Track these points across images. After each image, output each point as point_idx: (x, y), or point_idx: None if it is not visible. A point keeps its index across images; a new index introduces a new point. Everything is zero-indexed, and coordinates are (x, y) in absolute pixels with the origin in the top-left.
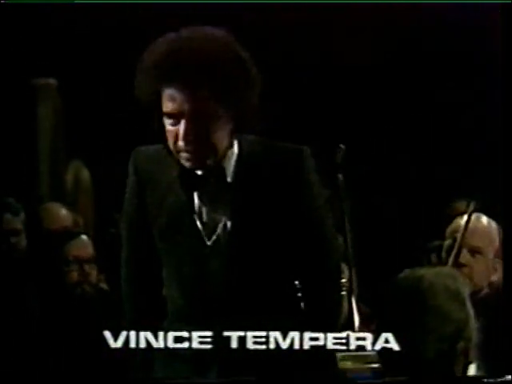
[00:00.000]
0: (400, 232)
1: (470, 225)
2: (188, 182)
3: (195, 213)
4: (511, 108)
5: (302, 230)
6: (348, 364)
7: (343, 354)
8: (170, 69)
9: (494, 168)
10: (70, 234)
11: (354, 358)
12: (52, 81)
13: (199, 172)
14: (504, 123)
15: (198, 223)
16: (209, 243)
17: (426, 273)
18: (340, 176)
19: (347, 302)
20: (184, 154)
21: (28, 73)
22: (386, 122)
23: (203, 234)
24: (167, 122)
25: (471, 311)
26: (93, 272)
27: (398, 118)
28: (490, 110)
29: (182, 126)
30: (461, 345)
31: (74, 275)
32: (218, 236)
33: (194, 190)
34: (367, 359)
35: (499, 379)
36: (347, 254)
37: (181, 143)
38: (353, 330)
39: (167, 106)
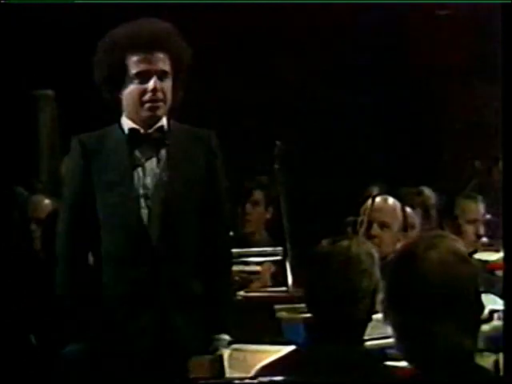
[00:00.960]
0: (325, 209)
1: (379, 204)
2: (134, 139)
3: (139, 165)
4: (511, 108)
5: (208, 203)
6: (284, 314)
7: (280, 306)
8: (137, 38)
9: (397, 160)
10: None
11: (289, 310)
12: (50, 92)
13: (142, 131)
14: (504, 123)
15: (140, 173)
16: (144, 191)
17: (351, 243)
18: (276, 165)
19: (282, 266)
20: (148, 105)
21: (29, 84)
22: (317, 120)
23: (142, 183)
24: (135, 82)
25: (379, 272)
26: None
27: (328, 115)
28: (402, 108)
29: (151, 82)
30: (378, 297)
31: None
32: (154, 185)
33: (139, 146)
34: (300, 310)
35: None
36: (283, 226)
37: (148, 95)
38: (287, 287)
39: (139, 67)
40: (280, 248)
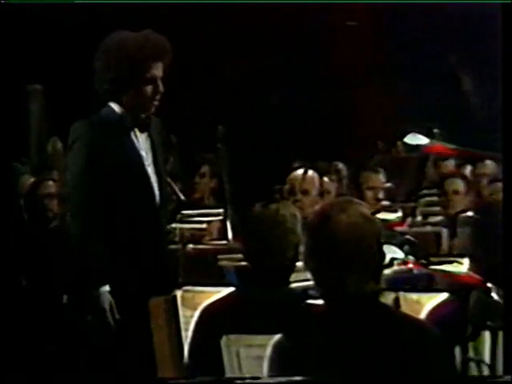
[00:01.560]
0: (258, 179)
1: (301, 175)
2: (135, 123)
3: (140, 148)
4: (511, 107)
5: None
6: (225, 263)
7: (222, 256)
8: (155, 51)
9: (317, 140)
10: None
11: (229, 259)
12: (39, 86)
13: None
14: (504, 123)
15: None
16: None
17: (278, 206)
18: (219, 145)
19: (224, 224)
20: (156, 102)
21: (22, 78)
22: (252, 110)
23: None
24: (147, 83)
25: (301, 229)
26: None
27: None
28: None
29: (160, 84)
30: (301, 249)
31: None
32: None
33: (140, 132)
34: (238, 259)
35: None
36: (225, 193)
37: (156, 94)
38: (228, 241)
39: (153, 74)
40: (222, 210)
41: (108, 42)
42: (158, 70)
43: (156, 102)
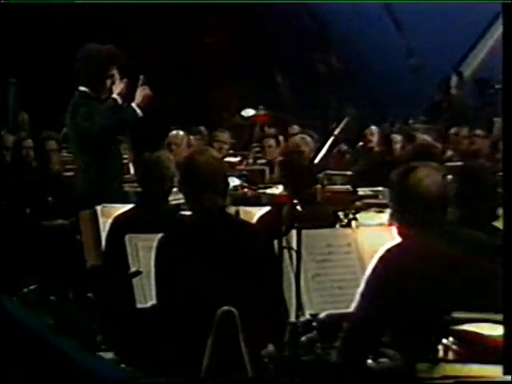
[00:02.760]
0: (149, 137)
1: (176, 135)
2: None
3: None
4: (511, 107)
5: None
6: (128, 189)
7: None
8: (112, 57)
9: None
10: None
11: (131, 186)
12: (13, 79)
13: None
14: (504, 122)
15: None
16: None
17: (159, 153)
18: None
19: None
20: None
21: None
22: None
23: None
24: (107, 78)
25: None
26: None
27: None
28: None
29: (115, 78)
30: (175, 180)
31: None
32: None
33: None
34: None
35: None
36: (130, 146)
37: (112, 84)
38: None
39: (111, 71)
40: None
41: (84, 50)
42: (114, 70)
43: (114, 94)
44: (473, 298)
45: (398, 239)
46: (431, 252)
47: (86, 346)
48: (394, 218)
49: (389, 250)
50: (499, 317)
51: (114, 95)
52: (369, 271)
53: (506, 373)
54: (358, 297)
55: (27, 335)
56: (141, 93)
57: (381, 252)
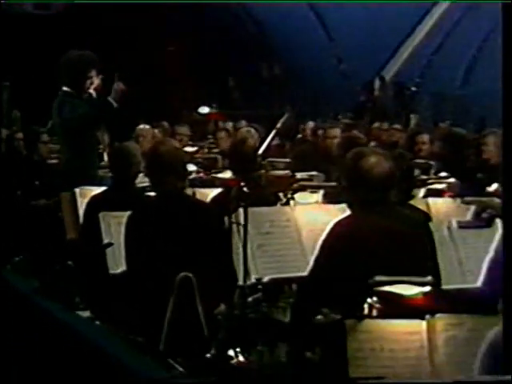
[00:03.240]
0: (122, 133)
1: (142, 128)
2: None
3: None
4: (511, 107)
5: None
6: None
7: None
8: (90, 62)
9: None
10: None
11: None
12: (7, 83)
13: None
14: (504, 122)
15: None
16: None
17: (128, 144)
18: None
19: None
20: (90, 89)
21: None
22: None
23: None
24: (86, 79)
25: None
26: None
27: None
28: None
29: (94, 80)
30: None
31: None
32: None
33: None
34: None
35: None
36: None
37: (92, 84)
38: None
39: (90, 73)
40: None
41: (66, 56)
42: (92, 72)
43: (91, 89)
44: (404, 264)
45: (346, 213)
46: (374, 225)
47: (66, 306)
48: (328, 197)
49: (339, 222)
50: (417, 279)
51: (91, 90)
52: (322, 239)
53: (506, 373)
54: (311, 262)
55: (19, 296)
56: (116, 88)
57: (332, 223)
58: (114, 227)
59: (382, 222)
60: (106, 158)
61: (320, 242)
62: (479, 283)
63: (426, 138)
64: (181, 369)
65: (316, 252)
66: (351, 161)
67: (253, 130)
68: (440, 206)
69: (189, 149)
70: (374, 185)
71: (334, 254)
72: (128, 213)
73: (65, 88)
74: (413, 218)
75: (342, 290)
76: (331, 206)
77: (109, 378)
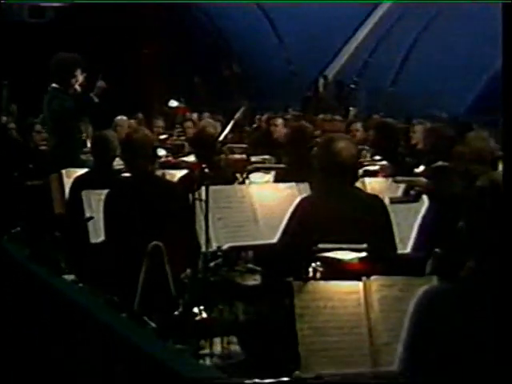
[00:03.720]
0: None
1: (120, 120)
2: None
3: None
4: (511, 107)
5: None
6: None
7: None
8: (76, 62)
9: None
10: None
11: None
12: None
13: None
14: (505, 122)
15: None
16: None
17: (107, 132)
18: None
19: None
20: (76, 86)
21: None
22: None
23: None
24: (72, 77)
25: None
26: None
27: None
28: None
29: (79, 78)
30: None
31: None
32: None
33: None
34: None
35: None
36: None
37: (77, 82)
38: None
39: (76, 73)
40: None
41: (55, 58)
42: (78, 71)
43: (76, 86)
44: (360, 235)
45: (292, 191)
46: (336, 203)
47: (54, 270)
48: (278, 177)
49: (304, 199)
50: (354, 246)
51: (76, 86)
52: (289, 212)
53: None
54: (280, 232)
55: (15, 262)
56: (99, 85)
57: (298, 199)
58: (95, 203)
59: (342, 200)
60: (88, 144)
61: (288, 215)
62: (408, 249)
63: (358, 125)
64: (153, 325)
65: (284, 223)
66: (323, 145)
67: (212, 121)
68: (374, 184)
69: (160, 136)
70: (343, 166)
71: (300, 224)
72: (106, 191)
73: (54, 85)
74: (368, 198)
75: (299, 256)
76: (280, 185)
77: (88, 332)
